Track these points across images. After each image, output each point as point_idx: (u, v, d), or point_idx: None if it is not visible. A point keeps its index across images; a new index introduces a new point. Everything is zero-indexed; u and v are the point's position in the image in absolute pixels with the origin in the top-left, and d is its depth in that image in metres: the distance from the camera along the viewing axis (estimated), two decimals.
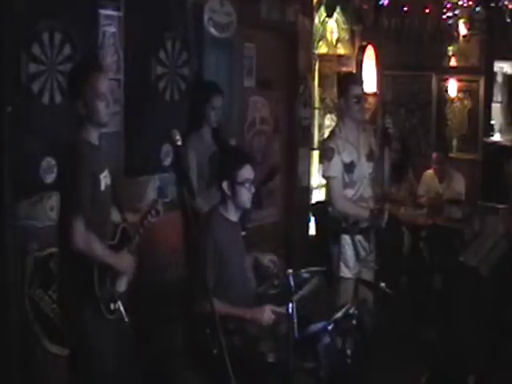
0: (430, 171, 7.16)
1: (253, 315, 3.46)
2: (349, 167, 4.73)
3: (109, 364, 3.42)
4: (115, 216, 3.62)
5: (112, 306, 3.42)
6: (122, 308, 3.44)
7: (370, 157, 4.84)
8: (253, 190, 3.66)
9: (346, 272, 4.71)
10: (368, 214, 4.69)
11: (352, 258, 4.71)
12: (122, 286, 3.47)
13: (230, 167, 3.62)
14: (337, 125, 5.01)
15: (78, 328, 3.36)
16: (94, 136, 3.39)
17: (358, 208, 4.74)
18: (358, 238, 4.71)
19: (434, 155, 7.13)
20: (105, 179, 3.40)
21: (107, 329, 3.39)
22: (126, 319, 3.45)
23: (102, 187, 3.37)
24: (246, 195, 3.63)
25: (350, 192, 4.76)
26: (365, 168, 4.80)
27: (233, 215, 3.70)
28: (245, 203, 3.66)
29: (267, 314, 3.44)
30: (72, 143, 3.35)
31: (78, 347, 3.42)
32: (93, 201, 3.28)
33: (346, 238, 4.69)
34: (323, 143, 5.05)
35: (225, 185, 3.60)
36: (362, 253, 4.74)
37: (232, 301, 3.49)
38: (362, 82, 5.17)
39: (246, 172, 3.61)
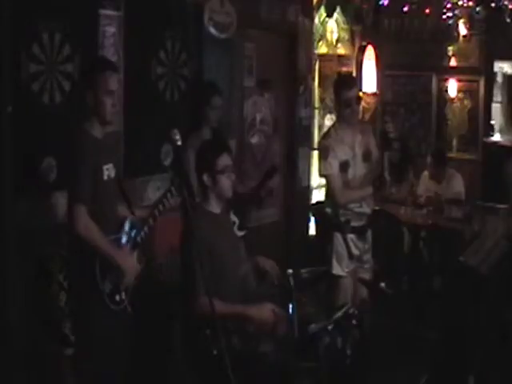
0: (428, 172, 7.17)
1: (253, 312, 3.43)
2: (343, 166, 4.73)
3: (113, 356, 3.46)
4: (123, 211, 3.65)
5: (117, 297, 3.45)
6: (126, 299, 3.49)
7: (366, 157, 4.84)
8: (233, 177, 3.64)
9: (338, 270, 4.73)
10: (371, 191, 4.70)
11: (344, 256, 4.71)
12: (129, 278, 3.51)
13: (208, 158, 3.60)
14: (333, 125, 5.01)
15: (83, 318, 3.45)
16: (96, 129, 3.50)
17: (358, 191, 4.73)
18: (351, 236, 4.71)
19: (428, 158, 7.12)
20: (108, 171, 3.49)
21: (112, 319, 3.44)
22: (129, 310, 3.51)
23: (105, 177, 3.46)
24: (226, 183, 3.61)
25: None
26: (360, 168, 4.80)
27: (215, 207, 3.65)
28: (226, 192, 3.63)
29: (268, 312, 3.42)
30: (74, 134, 3.47)
31: (83, 336, 3.49)
32: (95, 190, 3.38)
33: (337, 236, 4.69)
34: (319, 143, 5.07)
35: (205, 177, 3.58)
36: (355, 251, 4.74)
37: (228, 295, 3.46)
38: (355, 85, 5.10)
39: (224, 159, 3.59)
